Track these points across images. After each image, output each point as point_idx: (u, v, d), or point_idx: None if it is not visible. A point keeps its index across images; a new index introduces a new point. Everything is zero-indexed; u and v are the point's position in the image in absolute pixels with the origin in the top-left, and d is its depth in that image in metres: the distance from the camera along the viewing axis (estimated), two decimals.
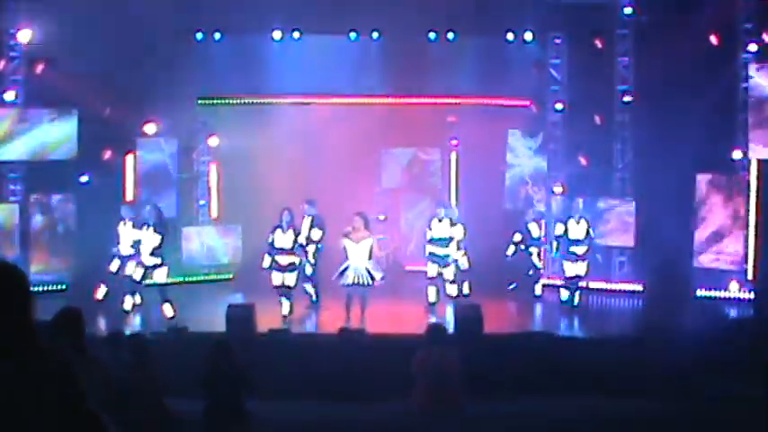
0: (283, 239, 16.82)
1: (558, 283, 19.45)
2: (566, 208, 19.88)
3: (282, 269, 16.90)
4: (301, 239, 17.06)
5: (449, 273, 18.15)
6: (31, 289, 4.03)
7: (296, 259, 16.96)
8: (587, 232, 18.23)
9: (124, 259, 17.63)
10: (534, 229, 19.37)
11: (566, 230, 18.32)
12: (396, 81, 21.24)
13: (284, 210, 16.91)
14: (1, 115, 19.33)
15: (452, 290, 18.14)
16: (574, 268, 18.20)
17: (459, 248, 18.37)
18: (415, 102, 21.51)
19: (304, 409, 12.85)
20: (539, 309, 19.11)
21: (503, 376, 13.64)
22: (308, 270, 17.76)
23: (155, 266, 17.12)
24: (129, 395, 10.01)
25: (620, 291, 19.81)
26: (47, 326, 7.90)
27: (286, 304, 16.83)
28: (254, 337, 15.27)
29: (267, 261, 17.04)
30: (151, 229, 17.12)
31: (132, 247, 17.51)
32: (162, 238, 17.09)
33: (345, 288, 16.20)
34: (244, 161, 21.18)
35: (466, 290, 18.61)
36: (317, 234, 17.57)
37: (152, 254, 17.05)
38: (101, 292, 17.68)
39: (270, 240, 16.93)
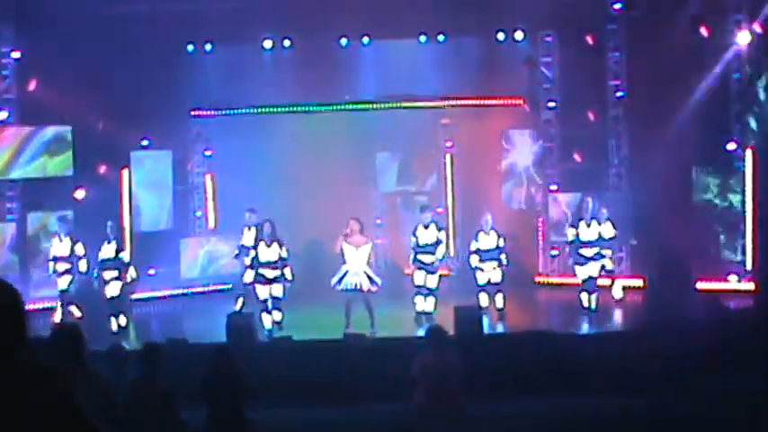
0: (268, 252, 16.41)
1: (558, 281, 19.50)
2: (575, 210, 19.75)
3: (269, 282, 16.47)
4: (284, 252, 16.50)
5: (432, 281, 17.32)
6: (25, 307, 3.99)
7: (281, 272, 16.46)
8: (599, 234, 17.75)
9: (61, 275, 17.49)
10: (606, 230, 18.13)
11: (577, 234, 17.79)
12: (388, 85, 21.25)
13: (266, 222, 16.54)
14: (5, 143, 19.39)
15: (430, 304, 17.24)
16: (584, 271, 17.65)
17: (480, 260, 17.42)
18: (408, 105, 21.47)
19: (306, 414, 12.86)
20: (539, 308, 19.13)
21: (503, 376, 13.65)
22: (248, 277, 17.35)
23: (111, 279, 17.21)
24: (138, 409, 10.03)
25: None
26: (46, 342, 7.93)
27: (277, 314, 16.55)
28: (255, 345, 15.30)
29: (250, 276, 16.74)
30: (113, 243, 17.29)
31: (68, 261, 17.41)
32: (119, 251, 17.32)
33: (345, 293, 16.17)
34: (239, 171, 21.15)
35: (500, 303, 17.42)
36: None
37: (112, 267, 17.24)
38: (75, 311, 17.52)
39: (253, 255, 16.60)
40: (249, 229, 17.61)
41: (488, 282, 17.46)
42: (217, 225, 22.21)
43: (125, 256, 17.58)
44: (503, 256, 17.46)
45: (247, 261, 17.11)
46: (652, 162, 19.40)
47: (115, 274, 17.27)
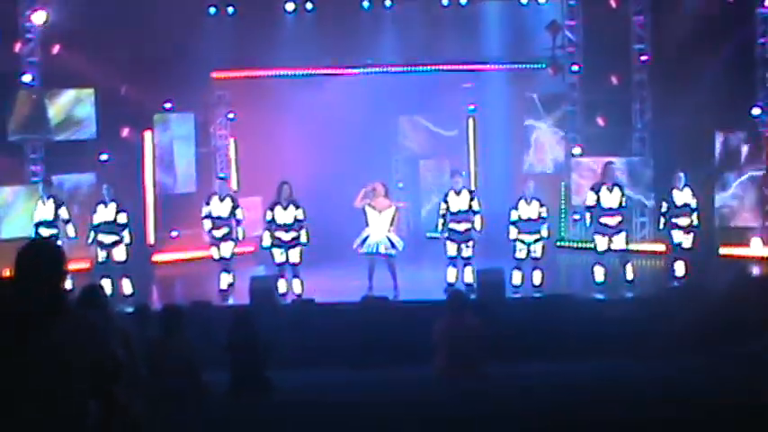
0: (284, 215, 16.27)
1: (575, 245, 19.48)
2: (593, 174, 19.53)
3: (285, 245, 16.31)
4: (300, 214, 16.30)
5: (467, 250, 16.42)
6: (65, 264, 4.57)
7: (298, 234, 16.31)
8: (620, 201, 16.45)
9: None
10: (682, 197, 16.89)
11: (598, 200, 16.37)
12: (410, 48, 21.22)
13: (283, 184, 16.34)
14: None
15: (468, 275, 16.36)
16: (605, 242, 16.34)
17: (520, 231, 16.38)
18: (430, 69, 21.42)
19: (327, 377, 12.94)
20: (561, 272, 19.10)
21: (524, 340, 13.69)
22: (228, 252, 17.00)
23: (114, 244, 16.66)
24: (159, 368, 10.15)
25: (641, 251, 19.57)
26: (74, 301, 8.04)
27: (297, 284, 16.40)
28: (278, 308, 15.38)
29: (267, 239, 16.45)
30: (112, 205, 16.62)
31: (53, 225, 16.79)
32: (123, 215, 16.67)
33: (366, 257, 16.18)
34: (261, 133, 21.19)
35: (537, 280, 16.37)
36: (240, 213, 17.03)
37: (110, 232, 16.63)
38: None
39: (269, 218, 16.36)
40: (222, 200, 17.02)
41: (527, 255, 16.42)
42: (240, 187, 22.25)
43: (122, 218, 16.71)
44: (544, 228, 16.47)
45: (219, 233, 16.85)
46: (676, 127, 19.32)
47: (116, 237, 16.62)
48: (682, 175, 16.94)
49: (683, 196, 16.87)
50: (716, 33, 18.92)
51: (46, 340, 4.29)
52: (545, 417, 8.98)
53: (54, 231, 16.74)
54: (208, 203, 17.03)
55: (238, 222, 16.96)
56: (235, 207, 16.96)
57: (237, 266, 17.83)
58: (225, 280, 16.93)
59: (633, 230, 20.14)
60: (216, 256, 17.08)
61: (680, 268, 16.88)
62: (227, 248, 16.94)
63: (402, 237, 16.67)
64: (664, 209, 17.01)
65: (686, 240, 16.91)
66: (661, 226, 17.23)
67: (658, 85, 20.30)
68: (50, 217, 16.83)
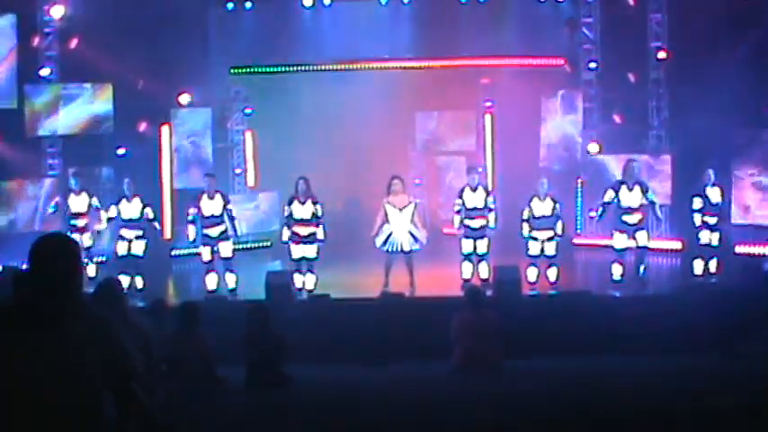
0: (302, 210, 16.15)
1: (592, 243, 19.46)
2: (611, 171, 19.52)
3: (302, 241, 16.18)
4: (318, 210, 16.11)
5: (482, 246, 16.42)
6: (81, 258, 4.51)
7: (316, 229, 16.18)
8: (641, 199, 16.08)
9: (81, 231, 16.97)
10: (714, 195, 16.63)
11: (617, 197, 16.10)
12: (428, 44, 21.23)
13: (299, 179, 16.21)
14: (42, 91, 19.53)
15: (484, 270, 16.37)
16: (623, 240, 16.13)
17: (532, 228, 16.27)
18: (447, 64, 21.43)
19: (343, 372, 12.96)
20: (577, 269, 19.08)
21: (541, 336, 13.69)
22: (228, 251, 16.56)
23: (136, 238, 16.69)
24: (176, 363, 10.19)
25: (657, 249, 19.47)
26: (89, 296, 8.08)
27: (311, 278, 16.38)
28: (293, 303, 15.41)
29: (286, 234, 16.28)
30: (136, 200, 16.63)
31: (87, 216, 17.04)
32: (149, 209, 16.70)
33: (387, 254, 16.14)
34: (278, 129, 21.24)
35: (553, 276, 16.31)
36: (232, 209, 16.64)
37: (134, 227, 16.68)
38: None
39: (287, 213, 16.24)
40: (211, 197, 16.39)
41: (541, 253, 16.33)
42: (257, 182, 22.31)
43: (150, 212, 16.75)
44: (558, 225, 16.33)
45: (214, 232, 16.30)
46: (693, 124, 19.25)
47: (140, 232, 16.67)
48: (711, 172, 16.66)
49: (713, 194, 16.61)
50: (733, 31, 18.87)
51: (60, 337, 4.22)
52: (560, 413, 8.99)
53: (87, 222, 17.07)
54: (196, 205, 16.41)
55: (232, 219, 16.50)
56: (226, 203, 16.52)
57: (255, 260, 17.86)
58: (211, 281, 16.52)
59: (650, 227, 20.06)
60: (207, 258, 16.45)
61: (698, 266, 16.67)
62: (226, 248, 16.48)
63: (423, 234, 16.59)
64: (698, 206, 16.61)
65: (713, 238, 16.67)
66: (697, 223, 16.70)
67: (675, 83, 20.26)
68: (84, 209, 17.11)
